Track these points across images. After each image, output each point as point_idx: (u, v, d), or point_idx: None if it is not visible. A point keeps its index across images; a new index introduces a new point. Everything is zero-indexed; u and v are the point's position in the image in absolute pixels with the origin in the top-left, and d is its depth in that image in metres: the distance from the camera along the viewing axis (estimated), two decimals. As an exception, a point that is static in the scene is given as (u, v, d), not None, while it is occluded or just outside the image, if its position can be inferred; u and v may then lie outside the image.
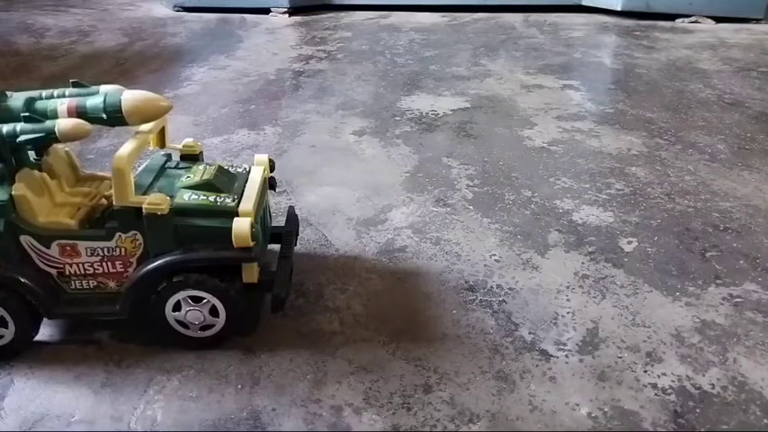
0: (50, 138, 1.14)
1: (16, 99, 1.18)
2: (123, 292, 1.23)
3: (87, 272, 1.24)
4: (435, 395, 1.17)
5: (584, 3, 4.55)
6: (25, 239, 1.20)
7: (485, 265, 1.57)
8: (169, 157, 1.42)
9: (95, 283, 1.26)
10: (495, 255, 1.62)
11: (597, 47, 3.69)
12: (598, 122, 2.50)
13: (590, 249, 1.63)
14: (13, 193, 1.17)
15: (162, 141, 1.37)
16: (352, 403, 1.16)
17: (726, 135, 2.36)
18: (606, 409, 1.14)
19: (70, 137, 1.14)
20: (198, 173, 1.28)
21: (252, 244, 1.19)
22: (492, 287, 1.49)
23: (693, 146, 2.27)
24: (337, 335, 1.34)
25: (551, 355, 1.27)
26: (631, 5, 4.33)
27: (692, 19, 4.22)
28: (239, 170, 1.37)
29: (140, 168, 1.37)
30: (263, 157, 1.44)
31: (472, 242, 1.67)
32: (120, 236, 1.21)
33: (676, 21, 4.23)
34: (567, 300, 1.44)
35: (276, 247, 1.44)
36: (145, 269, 1.21)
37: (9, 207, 1.17)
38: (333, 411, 1.14)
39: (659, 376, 1.21)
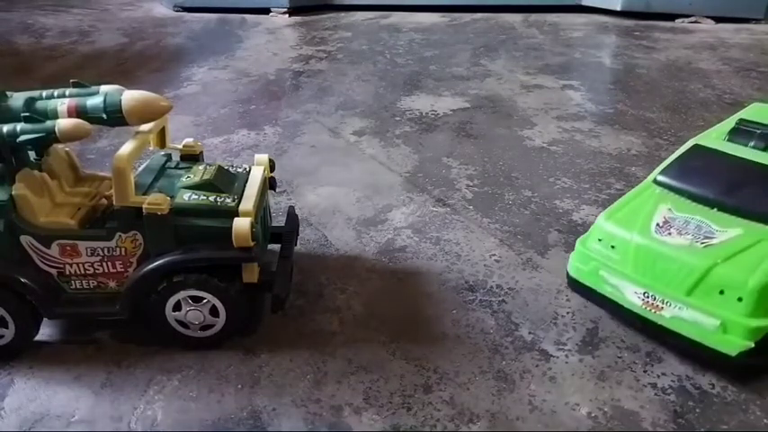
0: (50, 138, 1.14)
1: (16, 99, 1.18)
2: (123, 291, 1.23)
3: (87, 272, 1.24)
4: (435, 395, 1.17)
5: (584, 3, 4.55)
6: (25, 239, 1.20)
7: (485, 265, 1.57)
8: (169, 157, 1.41)
9: (95, 283, 1.26)
10: (495, 255, 1.62)
11: (597, 47, 3.69)
12: (598, 122, 2.50)
13: (590, 249, 1.63)
14: (13, 193, 1.17)
15: (162, 141, 1.37)
16: (352, 403, 1.16)
17: (726, 135, 2.35)
18: (606, 409, 1.14)
19: (70, 137, 1.14)
20: (198, 173, 1.28)
21: (252, 244, 1.19)
22: (492, 287, 1.49)
23: (693, 146, 2.27)
24: (337, 335, 1.34)
25: (551, 355, 1.27)
26: (631, 5, 4.32)
27: (692, 19, 4.21)
28: (239, 170, 1.37)
29: (140, 168, 1.37)
30: (263, 157, 1.44)
31: (472, 242, 1.67)
32: (120, 236, 1.21)
33: (676, 21, 4.23)
34: (567, 300, 1.44)
35: (276, 247, 1.44)
36: (145, 269, 1.21)
37: (9, 207, 1.17)
38: (333, 411, 1.14)
39: (659, 376, 1.21)
